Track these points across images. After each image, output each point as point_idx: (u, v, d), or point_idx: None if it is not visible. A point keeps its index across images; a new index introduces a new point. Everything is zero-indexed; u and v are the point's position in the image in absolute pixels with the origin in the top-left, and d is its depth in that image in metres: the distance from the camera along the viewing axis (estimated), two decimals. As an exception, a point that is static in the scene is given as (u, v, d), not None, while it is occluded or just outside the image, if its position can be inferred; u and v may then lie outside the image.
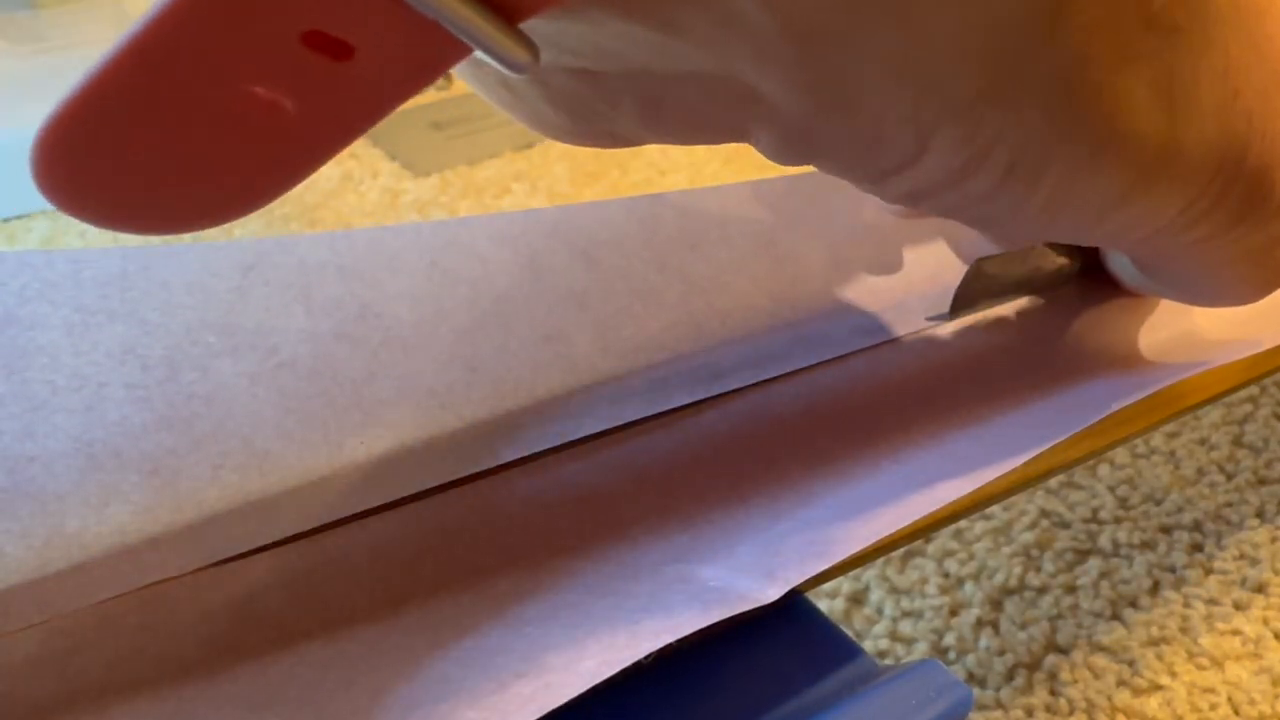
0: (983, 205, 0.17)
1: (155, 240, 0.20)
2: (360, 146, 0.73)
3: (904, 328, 0.26)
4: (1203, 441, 0.48)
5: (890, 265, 0.27)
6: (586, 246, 0.23)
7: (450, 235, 0.23)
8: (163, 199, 0.14)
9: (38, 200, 0.67)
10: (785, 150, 0.16)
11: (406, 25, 0.12)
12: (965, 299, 0.26)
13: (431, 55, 0.13)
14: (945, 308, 0.26)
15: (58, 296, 0.19)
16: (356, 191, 0.69)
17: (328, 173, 0.70)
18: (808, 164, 0.17)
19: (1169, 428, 0.49)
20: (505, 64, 0.13)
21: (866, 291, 0.26)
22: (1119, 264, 0.27)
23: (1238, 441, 0.48)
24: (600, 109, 0.16)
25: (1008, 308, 0.28)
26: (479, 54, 0.13)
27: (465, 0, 0.12)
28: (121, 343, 0.19)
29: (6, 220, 0.64)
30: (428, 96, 0.80)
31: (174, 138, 0.13)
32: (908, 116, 0.15)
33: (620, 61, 0.15)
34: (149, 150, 0.13)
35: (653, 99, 0.16)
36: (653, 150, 0.75)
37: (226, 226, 0.21)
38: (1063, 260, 0.28)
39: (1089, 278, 0.28)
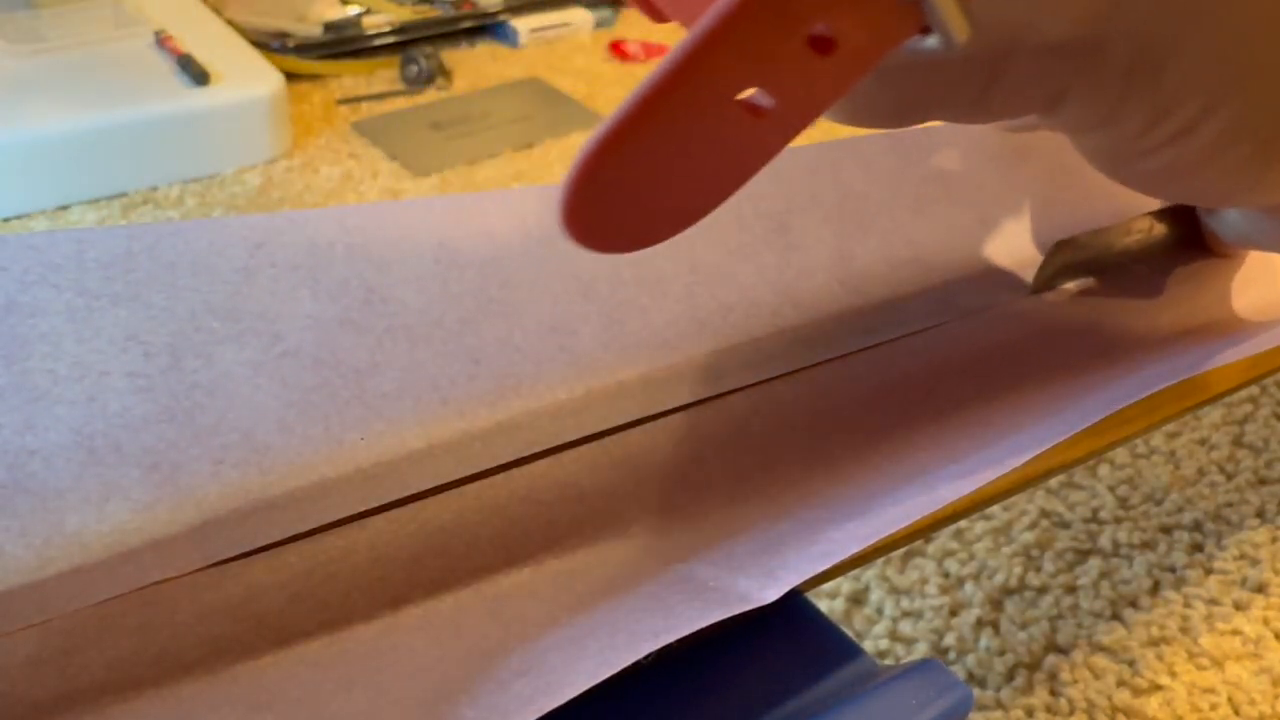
0: (1221, 183, 0.19)
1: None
2: (360, 146, 0.73)
3: (902, 328, 0.26)
4: (1203, 441, 0.48)
5: (891, 259, 0.27)
6: None
7: (462, 213, 0.22)
8: (659, 216, 0.15)
9: (38, 200, 0.67)
10: (1089, 117, 0.19)
11: (883, 14, 0.14)
12: (1044, 278, 0.27)
13: (887, 38, 0.15)
14: (943, 308, 0.26)
15: (60, 280, 0.18)
16: (356, 191, 0.69)
17: (328, 172, 0.70)
18: (1100, 132, 0.19)
19: (1169, 428, 0.49)
20: (948, 39, 0.15)
21: (867, 291, 0.26)
22: (1227, 223, 0.28)
23: (1238, 441, 0.48)
24: (937, 94, 0.18)
25: (1014, 304, 0.28)
26: (911, 42, 0.15)
27: None
28: (125, 329, 0.18)
29: (6, 220, 0.64)
30: (428, 96, 0.80)
31: (675, 159, 0.14)
32: (1207, 84, 0.17)
33: (1014, 34, 0.17)
34: (656, 176, 0.14)
35: (994, 76, 0.18)
36: (653, 150, 0.75)
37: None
38: (1133, 238, 0.29)
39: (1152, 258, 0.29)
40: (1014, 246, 0.28)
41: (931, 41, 0.15)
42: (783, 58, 0.14)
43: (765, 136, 0.15)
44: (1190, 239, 0.30)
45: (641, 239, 0.15)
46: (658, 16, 0.17)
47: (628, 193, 0.14)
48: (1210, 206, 0.28)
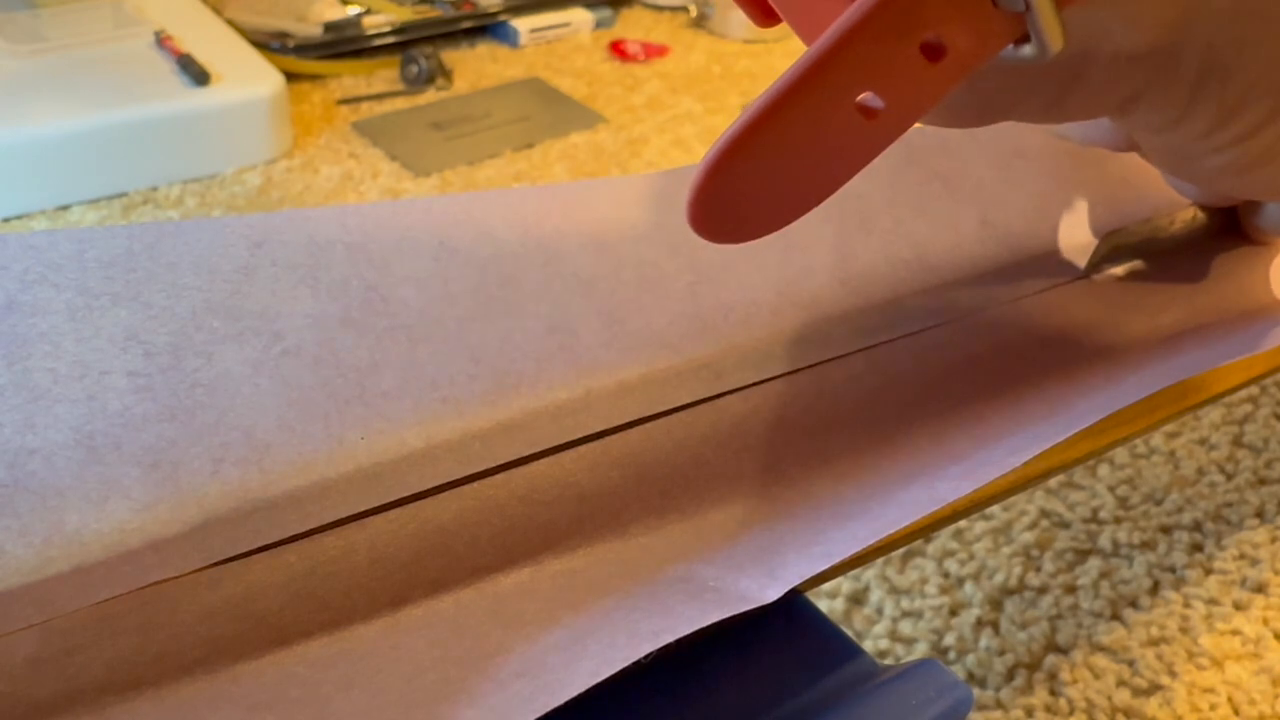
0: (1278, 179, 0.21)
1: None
2: (360, 146, 0.73)
3: (902, 328, 0.26)
4: (1203, 441, 0.48)
5: (892, 258, 0.27)
6: (599, 228, 0.23)
7: (462, 212, 0.22)
8: (771, 210, 0.17)
9: (38, 200, 0.67)
10: (1159, 119, 0.20)
11: (989, 24, 0.15)
12: (1096, 260, 0.29)
13: (990, 46, 0.16)
14: (943, 308, 0.26)
15: (61, 279, 0.18)
16: (356, 191, 0.69)
17: (328, 172, 0.70)
18: (1168, 133, 0.20)
19: (1169, 428, 0.49)
20: (1043, 48, 0.16)
21: (867, 291, 0.26)
22: (1266, 215, 0.30)
23: (1238, 441, 0.48)
24: (1018, 97, 0.20)
25: (1015, 305, 0.28)
26: (1006, 50, 0.16)
27: None
28: (125, 328, 0.18)
29: (6, 220, 0.64)
30: (428, 96, 0.80)
31: (792, 157, 0.16)
32: (1272, 89, 0.18)
33: (1094, 43, 0.18)
34: (773, 173, 0.16)
35: (1073, 80, 0.19)
36: (652, 151, 0.75)
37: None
38: (1178, 226, 0.31)
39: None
40: (1015, 246, 0.28)
41: (1027, 50, 0.16)
42: (898, 63, 0.15)
43: (874, 136, 0.16)
44: (1229, 227, 0.32)
45: (753, 231, 0.17)
46: (765, 19, 0.18)
47: (747, 188, 0.16)
48: (1264, 199, 0.30)
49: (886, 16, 0.14)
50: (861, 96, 0.15)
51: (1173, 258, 0.31)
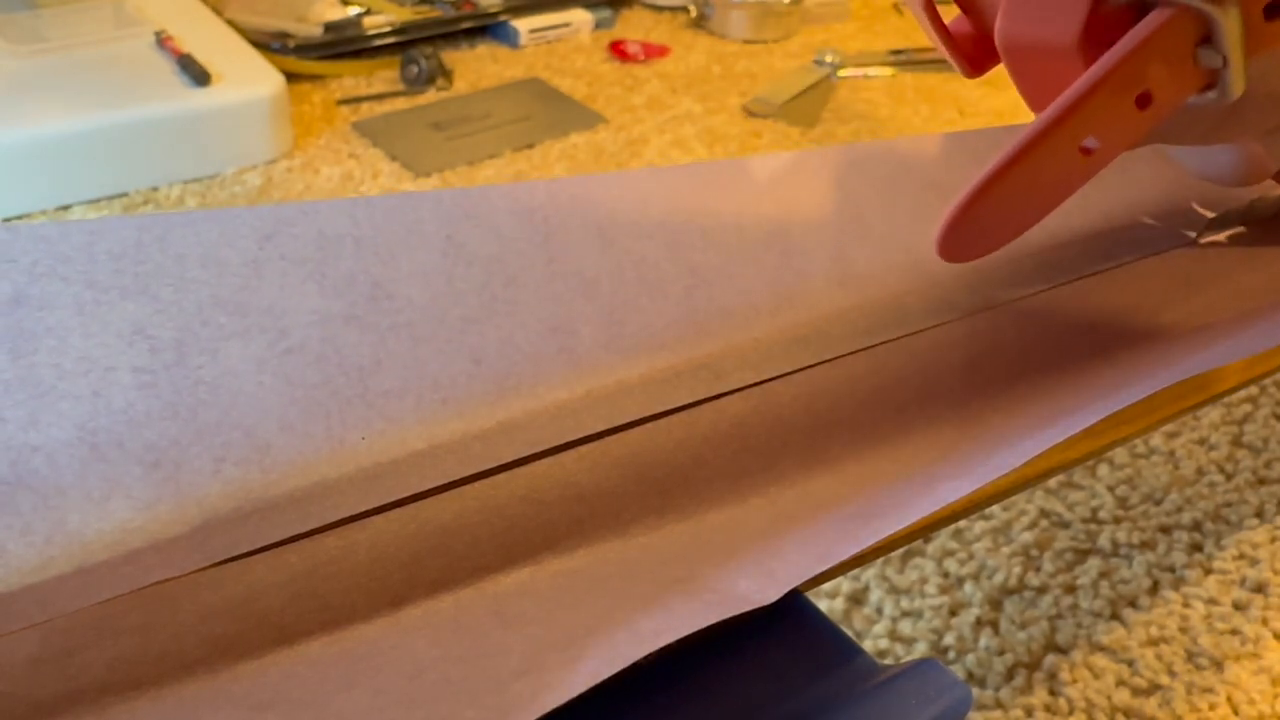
0: None
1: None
2: (360, 147, 0.73)
3: (900, 329, 0.26)
4: (1202, 441, 0.48)
5: (889, 263, 0.27)
6: (604, 224, 0.23)
7: (470, 206, 0.22)
8: (998, 232, 0.20)
9: (39, 200, 0.67)
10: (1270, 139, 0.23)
11: (1189, 77, 0.19)
12: (1205, 228, 0.33)
13: (1186, 93, 0.19)
14: (941, 309, 0.27)
15: (70, 272, 0.18)
16: (357, 192, 0.69)
17: (328, 173, 0.70)
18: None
19: (1169, 428, 0.49)
20: (1225, 94, 0.19)
21: (865, 293, 0.26)
22: None
23: (1237, 441, 0.48)
24: (1182, 128, 0.22)
25: (1013, 307, 0.28)
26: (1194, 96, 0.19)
27: (1243, 53, 0.18)
28: (132, 322, 0.18)
29: (7, 220, 0.64)
30: (428, 97, 0.80)
31: (1022, 192, 0.19)
32: None
33: (1253, 86, 0.21)
34: (1005, 205, 0.19)
35: (1231, 114, 0.21)
36: (652, 151, 0.75)
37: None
38: (1267, 202, 0.34)
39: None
40: (1011, 250, 0.28)
41: (1211, 95, 0.19)
42: (1117, 113, 0.18)
43: (1086, 168, 0.19)
44: None
45: (983, 251, 0.20)
46: (974, 70, 0.22)
47: (983, 218, 0.19)
48: None
49: (1119, 78, 0.18)
50: (1088, 143, 0.18)
51: (1266, 226, 0.34)
